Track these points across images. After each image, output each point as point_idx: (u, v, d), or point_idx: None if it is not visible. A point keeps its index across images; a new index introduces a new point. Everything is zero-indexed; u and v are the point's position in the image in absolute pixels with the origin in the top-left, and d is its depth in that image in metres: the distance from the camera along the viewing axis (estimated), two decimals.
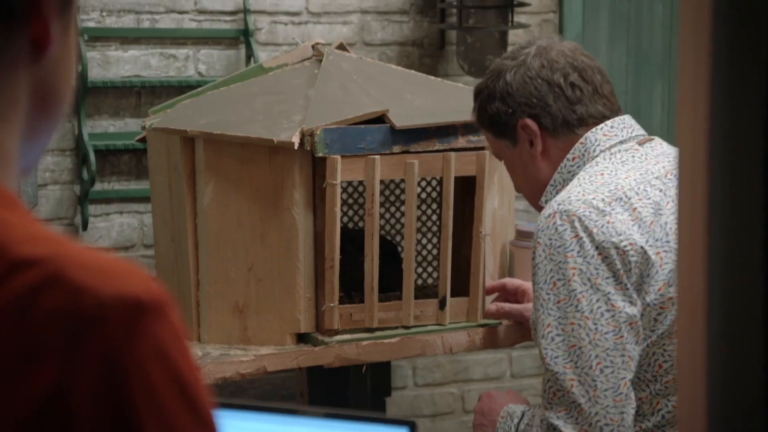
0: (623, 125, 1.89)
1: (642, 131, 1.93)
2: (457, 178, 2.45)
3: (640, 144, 1.89)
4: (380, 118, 2.42)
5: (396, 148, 2.41)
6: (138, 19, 3.10)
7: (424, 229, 2.71)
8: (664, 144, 1.93)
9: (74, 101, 3.03)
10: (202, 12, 3.16)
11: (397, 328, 2.48)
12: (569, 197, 1.78)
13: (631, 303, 1.74)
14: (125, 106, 3.11)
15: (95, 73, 3.04)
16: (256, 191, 2.39)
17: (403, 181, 2.65)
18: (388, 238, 2.70)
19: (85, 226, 3.02)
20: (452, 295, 2.50)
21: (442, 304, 2.50)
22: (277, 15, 3.23)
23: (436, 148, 2.44)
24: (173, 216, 2.53)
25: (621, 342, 1.73)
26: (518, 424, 1.84)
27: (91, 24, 3.05)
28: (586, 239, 1.74)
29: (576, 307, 1.73)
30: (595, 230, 1.74)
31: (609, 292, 1.73)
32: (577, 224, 1.74)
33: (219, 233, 2.41)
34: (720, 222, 0.77)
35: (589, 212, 1.75)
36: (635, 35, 3.63)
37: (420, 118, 2.42)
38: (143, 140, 2.71)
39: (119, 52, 3.09)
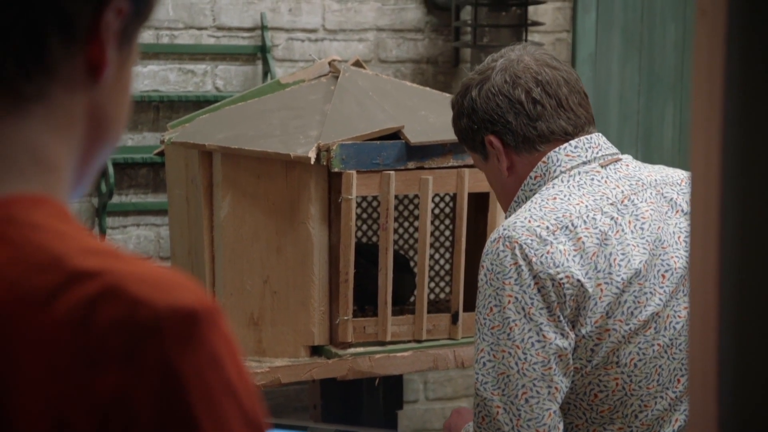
0: (589, 145, 1.85)
1: (612, 149, 1.88)
2: (470, 194, 2.49)
3: (603, 165, 1.85)
4: (395, 134, 2.46)
5: (411, 164, 2.44)
6: (157, 34, 3.15)
7: (437, 244, 2.74)
8: (632, 164, 1.88)
9: None
10: (220, 28, 3.21)
11: (409, 341, 2.51)
12: (515, 223, 1.76)
13: (563, 335, 1.73)
14: (143, 120, 3.15)
15: None
16: (272, 205, 2.42)
17: (416, 196, 2.68)
18: (401, 252, 2.73)
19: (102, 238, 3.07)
20: (464, 310, 2.53)
21: (455, 319, 2.52)
22: (294, 32, 3.28)
23: (450, 164, 2.47)
24: (190, 228, 2.56)
25: (549, 373, 1.73)
26: None
27: None
28: (524, 268, 1.72)
29: (508, 335, 1.73)
30: (534, 259, 1.72)
31: (541, 323, 1.72)
32: (517, 252, 1.73)
33: (235, 246, 2.44)
34: (731, 236, 0.78)
35: (531, 240, 1.73)
36: (647, 55, 3.66)
37: (435, 134, 2.46)
38: (161, 154, 2.75)
39: (138, 67, 3.13)
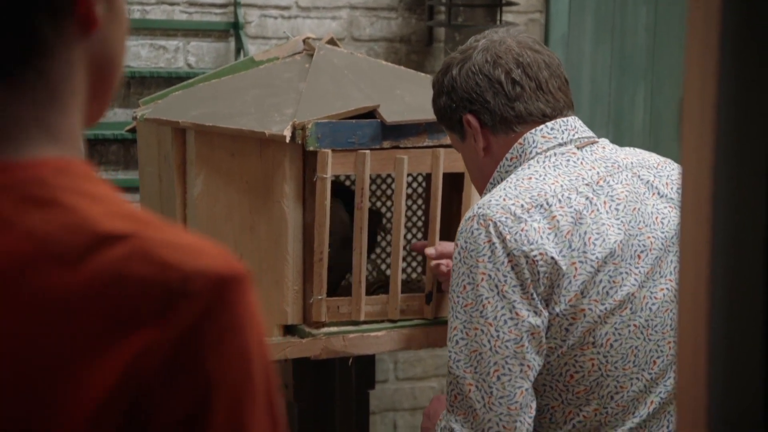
0: (565, 127, 1.86)
1: (588, 133, 1.89)
2: (445, 174, 2.48)
3: (580, 147, 1.86)
4: (371, 114, 2.45)
5: (386, 144, 2.44)
6: (129, 9, 3.12)
7: (409, 224, 2.74)
8: (608, 147, 1.89)
9: None
10: (192, 4, 3.18)
11: (383, 321, 2.51)
12: (490, 201, 1.76)
13: (536, 313, 1.73)
14: (114, 96, 3.12)
15: None
16: (246, 183, 2.41)
17: (389, 176, 2.68)
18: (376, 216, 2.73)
19: None
20: (438, 290, 2.53)
21: (428, 299, 2.53)
22: (266, 9, 3.25)
23: (425, 144, 2.47)
24: (163, 206, 2.54)
25: (521, 351, 1.72)
26: None
27: None
28: (498, 245, 1.72)
29: (481, 312, 1.73)
30: (508, 237, 1.72)
31: (514, 301, 1.72)
32: (491, 229, 1.73)
33: (208, 224, 2.43)
34: (723, 224, 0.78)
35: (506, 218, 1.74)
36: (619, 38, 3.67)
37: (410, 114, 2.45)
38: (133, 130, 2.72)
39: None
